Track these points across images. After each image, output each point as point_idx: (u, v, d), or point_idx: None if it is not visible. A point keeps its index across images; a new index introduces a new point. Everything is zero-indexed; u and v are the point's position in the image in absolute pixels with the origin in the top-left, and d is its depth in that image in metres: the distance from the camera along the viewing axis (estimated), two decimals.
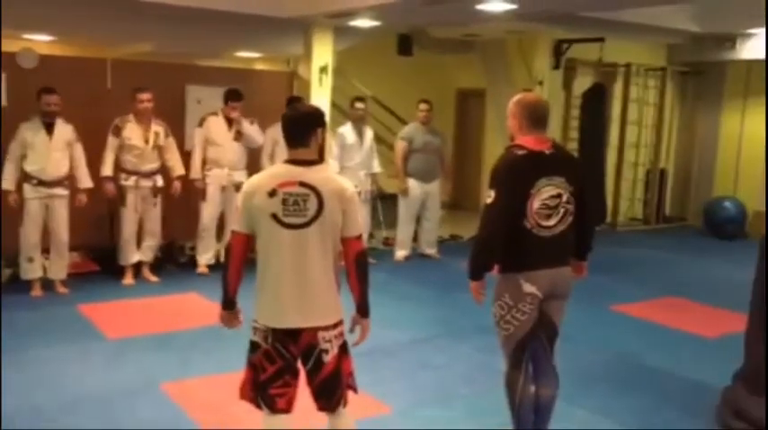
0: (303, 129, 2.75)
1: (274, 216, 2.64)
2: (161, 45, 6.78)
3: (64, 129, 5.70)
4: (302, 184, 2.66)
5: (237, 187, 6.51)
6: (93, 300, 5.71)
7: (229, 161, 6.55)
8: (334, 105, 7.86)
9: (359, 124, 7.27)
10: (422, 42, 9.03)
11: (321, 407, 2.83)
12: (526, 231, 3.14)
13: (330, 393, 2.78)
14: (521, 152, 3.15)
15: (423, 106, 7.47)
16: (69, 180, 5.80)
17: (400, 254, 7.57)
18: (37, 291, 5.78)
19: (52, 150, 5.61)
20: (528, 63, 9.13)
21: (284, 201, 2.63)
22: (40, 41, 6.57)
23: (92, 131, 6.11)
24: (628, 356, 4.94)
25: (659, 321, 5.80)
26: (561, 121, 9.56)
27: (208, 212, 6.59)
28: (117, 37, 6.50)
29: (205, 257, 6.71)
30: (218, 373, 4.31)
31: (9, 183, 5.55)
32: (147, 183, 6.16)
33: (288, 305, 2.68)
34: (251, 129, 6.61)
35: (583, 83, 9.57)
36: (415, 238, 7.89)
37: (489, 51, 9.64)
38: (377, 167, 7.45)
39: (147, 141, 6.08)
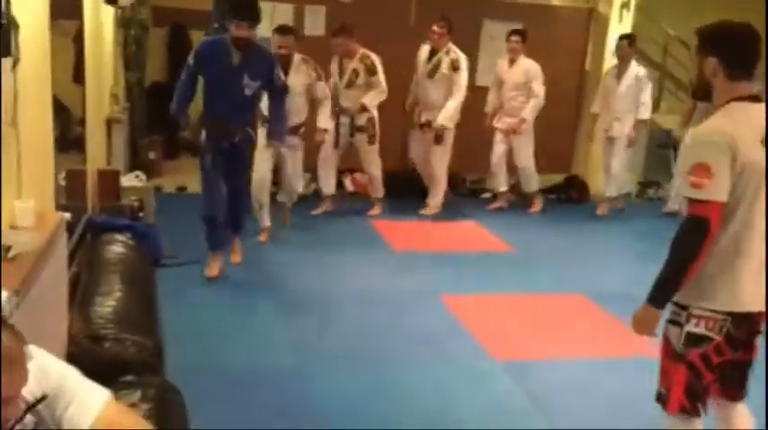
0: (755, 52, 2.12)
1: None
2: None
3: (299, 73, 5.17)
4: None
5: (423, 125, 6.20)
6: (384, 217, 6.22)
7: (423, 101, 6.24)
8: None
9: (622, 64, 6.43)
10: None
11: (732, 396, 2.30)
12: None
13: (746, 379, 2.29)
14: None
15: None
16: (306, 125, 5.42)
17: (669, 207, 6.76)
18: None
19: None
20: None
21: None
22: None
23: (395, 65, 6.53)
24: None
25: None
26: None
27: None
28: None
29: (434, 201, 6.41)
30: (492, 293, 4.53)
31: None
32: (344, 119, 5.93)
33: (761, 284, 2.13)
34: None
35: None
36: None
37: None
38: (643, 113, 6.39)
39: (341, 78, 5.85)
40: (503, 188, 6.73)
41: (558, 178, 7.43)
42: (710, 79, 2.11)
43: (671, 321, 2.21)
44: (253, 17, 4.00)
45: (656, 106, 8.49)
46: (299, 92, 5.15)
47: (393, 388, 3.24)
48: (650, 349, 3.77)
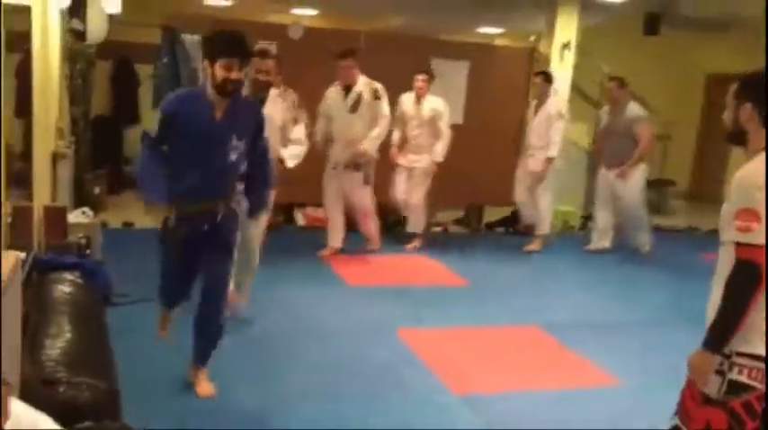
0: None
1: None
2: (410, 19, 7.14)
3: (276, 108, 4.53)
4: None
5: (347, 166, 5.84)
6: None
7: (345, 137, 5.79)
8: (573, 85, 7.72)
9: (539, 100, 6.61)
10: (671, 21, 8.53)
11: None
12: None
13: None
14: None
15: (609, 85, 6.66)
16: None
17: (592, 245, 6.91)
18: None
19: None
20: None
21: None
22: (306, 15, 7.24)
23: None
24: None
25: None
26: None
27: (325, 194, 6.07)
28: (371, 11, 6.96)
29: (332, 239, 6.12)
30: (448, 326, 4.58)
31: None
32: None
33: None
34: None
35: None
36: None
37: (750, 31, 8.82)
38: (551, 151, 6.45)
39: None
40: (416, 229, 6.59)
41: (505, 211, 7.59)
42: (745, 125, 2.17)
43: None
44: (244, 53, 3.16)
45: (594, 141, 8.81)
46: (274, 129, 4.35)
47: (353, 423, 3.22)
48: (604, 379, 3.90)
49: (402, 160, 6.40)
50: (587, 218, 7.93)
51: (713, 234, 8.93)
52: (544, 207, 6.72)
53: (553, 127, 6.44)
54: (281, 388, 3.54)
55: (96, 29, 5.03)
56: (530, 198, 6.78)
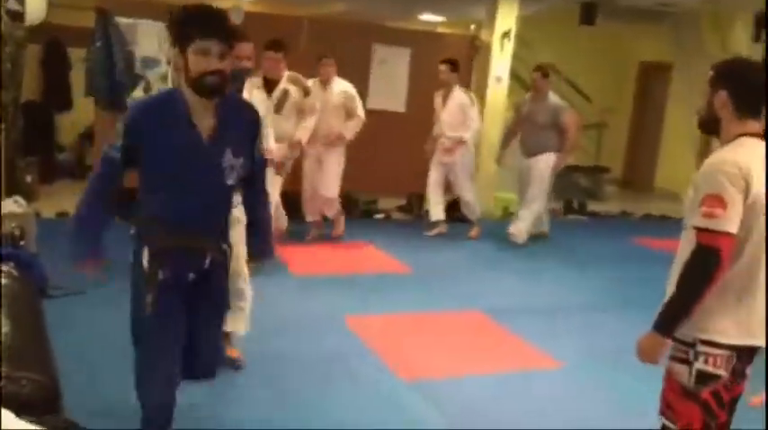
0: (763, 92, 2.11)
1: None
2: (352, 5, 7.10)
3: (255, 101, 4.16)
4: None
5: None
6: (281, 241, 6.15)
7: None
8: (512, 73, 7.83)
9: (446, 89, 6.50)
10: (607, 11, 8.74)
11: None
12: None
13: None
14: None
15: (534, 74, 6.56)
16: None
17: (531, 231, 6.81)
18: None
19: None
20: (723, 36, 8.57)
21: None
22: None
23: None
24: None
25: None
26: None
27: None
28: None
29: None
30: (394, 313, 4.62)
31: None
32: None
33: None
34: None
35: None
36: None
37: (682, 22, 9.13)
38: (463, 132, 6.41)
39: None
40: (315, 218, 6.31)
41: (446, 199, 7.66)
42: (719, 112, 2.15)
43: (676, 358, 2.16)
44: (225, 34, 2.28)
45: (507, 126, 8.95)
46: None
47: (304, 411, 3.22)
48: (548, 362, 4.00)
49: (312, 149, 5.93)
50: None
51: (646, 219, 9.39)
52: (467, 193, 6.75)
53: (468, 115, 6.40)
54: (227, 380, 3.49)
55: (36, 9, 4.83)
56: (439, 188, 6.75)
